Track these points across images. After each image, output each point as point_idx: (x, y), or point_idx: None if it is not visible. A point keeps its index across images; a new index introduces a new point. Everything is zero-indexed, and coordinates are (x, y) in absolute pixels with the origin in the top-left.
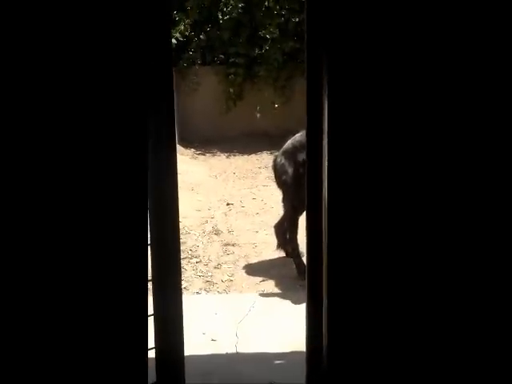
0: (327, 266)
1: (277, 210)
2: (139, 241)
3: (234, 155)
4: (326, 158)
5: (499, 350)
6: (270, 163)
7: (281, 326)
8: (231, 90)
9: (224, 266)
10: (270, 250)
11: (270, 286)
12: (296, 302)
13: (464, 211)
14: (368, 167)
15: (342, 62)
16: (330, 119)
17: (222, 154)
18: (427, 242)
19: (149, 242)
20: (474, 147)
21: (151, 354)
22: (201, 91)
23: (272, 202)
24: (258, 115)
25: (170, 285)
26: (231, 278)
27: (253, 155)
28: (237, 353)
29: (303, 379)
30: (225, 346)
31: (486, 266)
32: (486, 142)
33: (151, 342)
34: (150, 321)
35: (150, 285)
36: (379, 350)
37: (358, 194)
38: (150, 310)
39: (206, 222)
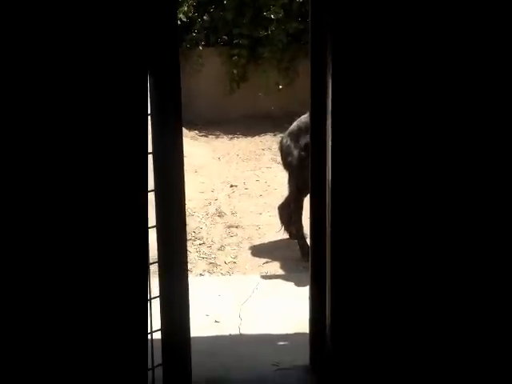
0: (331, 248)
1: (280, 192)
2: (139, 221)
3: (238, 137)
4: (330, 139)
5: (498, 344)
6: (274, 145)
7: (284, 308)
8: (235, 72)
9: (227, 247)
10: (273, 231)
11: (273, 267)
12: (299, 283)
13: (465, 195)
14: (372, 148)
15: (346, 42)
16: (333, 99)
17: (225, 136)
18: (431, 226)
19: (154, 224)
20: (478, 136)
21: (157, 335)
22: (204, 72)
23: (275, 184)
24: (262, 97)
25: (176, 266)
26: (234, 260)
27: (256, 137)
28: (240, 334)
29: (307, 361)
30: (228, 327)
31: (485, 258)
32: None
33: (157, 324)
34: (156, 303)
35: (155, 267)
36: (382, 332)
37: (361, 175)
38: (156, 292)
39: (210, 203)
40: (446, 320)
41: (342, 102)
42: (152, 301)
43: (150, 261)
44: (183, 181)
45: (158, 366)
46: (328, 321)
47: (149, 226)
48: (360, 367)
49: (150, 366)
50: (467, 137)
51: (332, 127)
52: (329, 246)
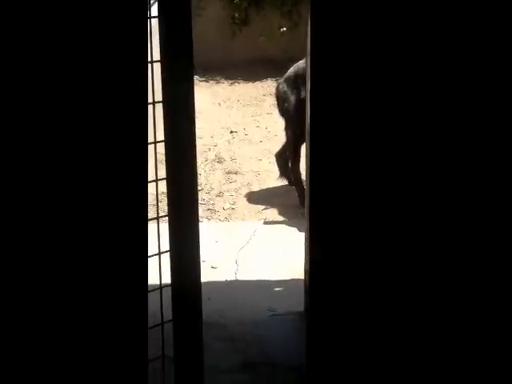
0: (309, 194)
1: (280, 138)
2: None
3: (238, 82)
4: (309, 82)
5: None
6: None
7: (281, 254)
8: (236, 15)
9: (226, 194)
10: (272, 178)
11: (271, 214)
12: (297, 230)
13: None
14: (352, 93)
15: None
16: (312, 42)
17: (225, 81)
18: (407, 185)
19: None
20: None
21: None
22: (205, 17)
23: (276, 130)
24: (264, 41)
25: (187, 219)
26: (233, 206)
27: (257, 82)
28: (236, 280)
29: (301, 307)
30: (225, 273)
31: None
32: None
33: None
34: (166, 257)
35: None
36: (359, 283)
37: (340, 121)
38: (166, 247)
39: (209, 149)
40: (419, 287)
41: (321, 45)
42: (162, 255)
43: (161, 213)
44: (194, 132)
45: (168, 321)
46: (306, 267)
47: (159, 178)
48: (337, 316)
49: (159, 321)
50: (445, 110)
51: (310, 71)
52: (307, 191)
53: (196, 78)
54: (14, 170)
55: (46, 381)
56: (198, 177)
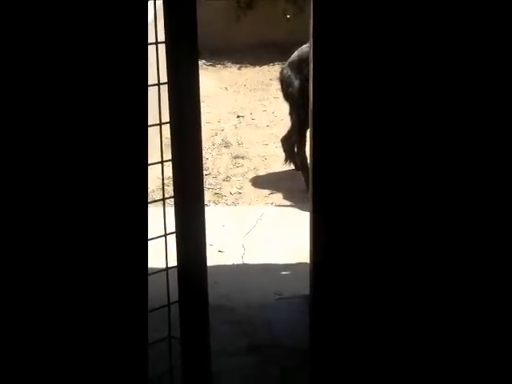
0: (312, 179)
1: (287, 123)
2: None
3: (245, 67)
4: (311, 64)
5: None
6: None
7: (288, 238)
8: None
9: (233, 178)
10: (279, 162)
11: (278, 198)
12: (304, 214)
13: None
14: (353, 74)
15: None
16: (315, 23)
17: (232, 66)
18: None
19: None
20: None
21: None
22: (210, 1)
23: (282, 115)
24: (269, 25)
25: (192, 201)
26: (240, 191)
27: (264, 67)
28: (243, 264)
29: (308, 290)
30: (232, 257)
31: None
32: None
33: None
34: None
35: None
36: (363, 270)
37: (343, 103)
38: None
39: (216, 134)
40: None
41: (323, 28)
42: (168, 237)
43: (166, 195)
44: (199, 113)
45: (174, 302)
46: (310, 258)
47: (165, 159)
48: (341, 300)
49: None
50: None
51: (313, 55)
52: (311, 175)
53: (203, 62)
54: (10, 156)
55: (44, 366)
56: (205, 161)
